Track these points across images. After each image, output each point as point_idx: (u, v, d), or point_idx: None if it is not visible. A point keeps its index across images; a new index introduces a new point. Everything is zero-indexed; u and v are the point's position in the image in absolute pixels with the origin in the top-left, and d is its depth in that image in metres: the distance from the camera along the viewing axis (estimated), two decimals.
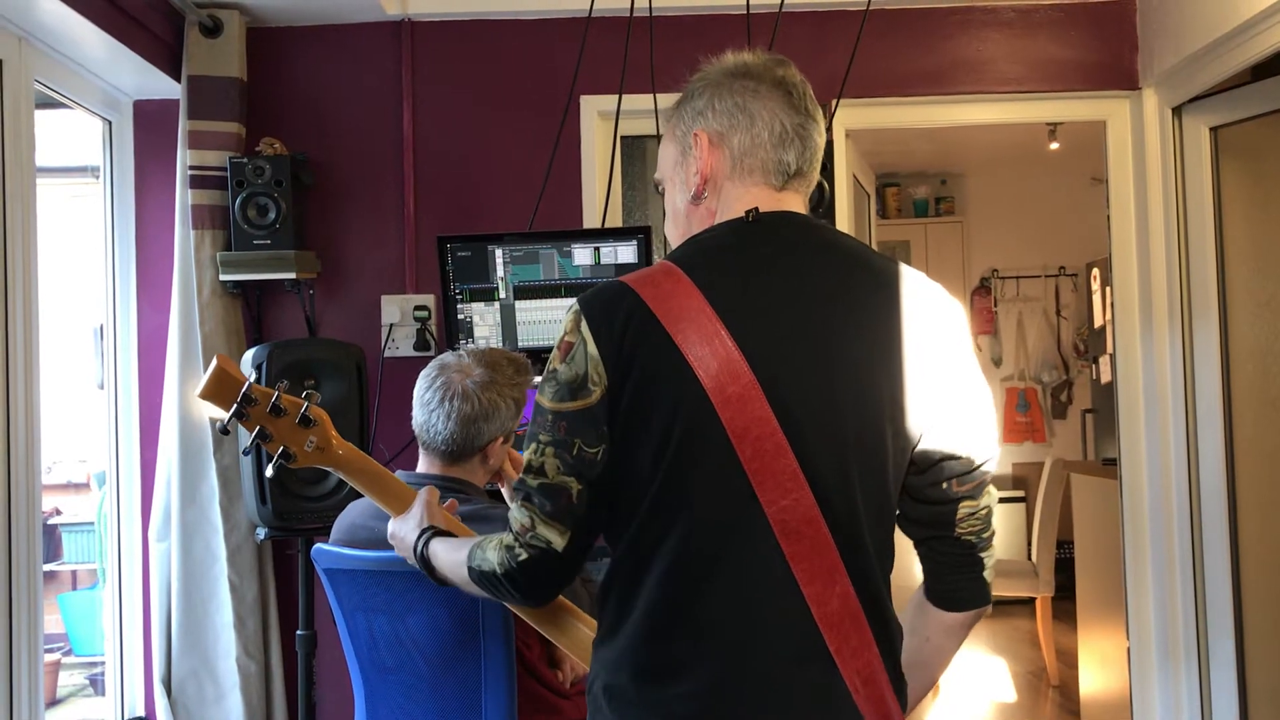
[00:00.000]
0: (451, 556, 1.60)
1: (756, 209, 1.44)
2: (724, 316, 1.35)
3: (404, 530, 1.76)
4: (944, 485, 1.47)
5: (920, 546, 1.53)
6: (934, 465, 1.46)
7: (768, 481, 1.33)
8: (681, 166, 1.52)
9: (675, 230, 1.55)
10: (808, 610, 1.34)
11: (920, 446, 1.45)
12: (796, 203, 1.49)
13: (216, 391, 1.67)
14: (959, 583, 1.51)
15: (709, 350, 1.33)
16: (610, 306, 1.38)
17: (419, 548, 1.69)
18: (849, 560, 1.36)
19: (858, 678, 1.36)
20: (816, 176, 1.52)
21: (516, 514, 1.42)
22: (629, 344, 1.35)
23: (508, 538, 1.44)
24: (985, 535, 1.51)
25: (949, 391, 1.45)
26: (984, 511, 1.50)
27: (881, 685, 1.38)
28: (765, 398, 1.33)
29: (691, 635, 1.36)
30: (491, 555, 1.46)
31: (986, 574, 1.52)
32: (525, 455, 1.41)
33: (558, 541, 1.39)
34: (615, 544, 1.43)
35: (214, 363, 1.67)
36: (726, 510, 1.35)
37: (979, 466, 1.47)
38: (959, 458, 1.46)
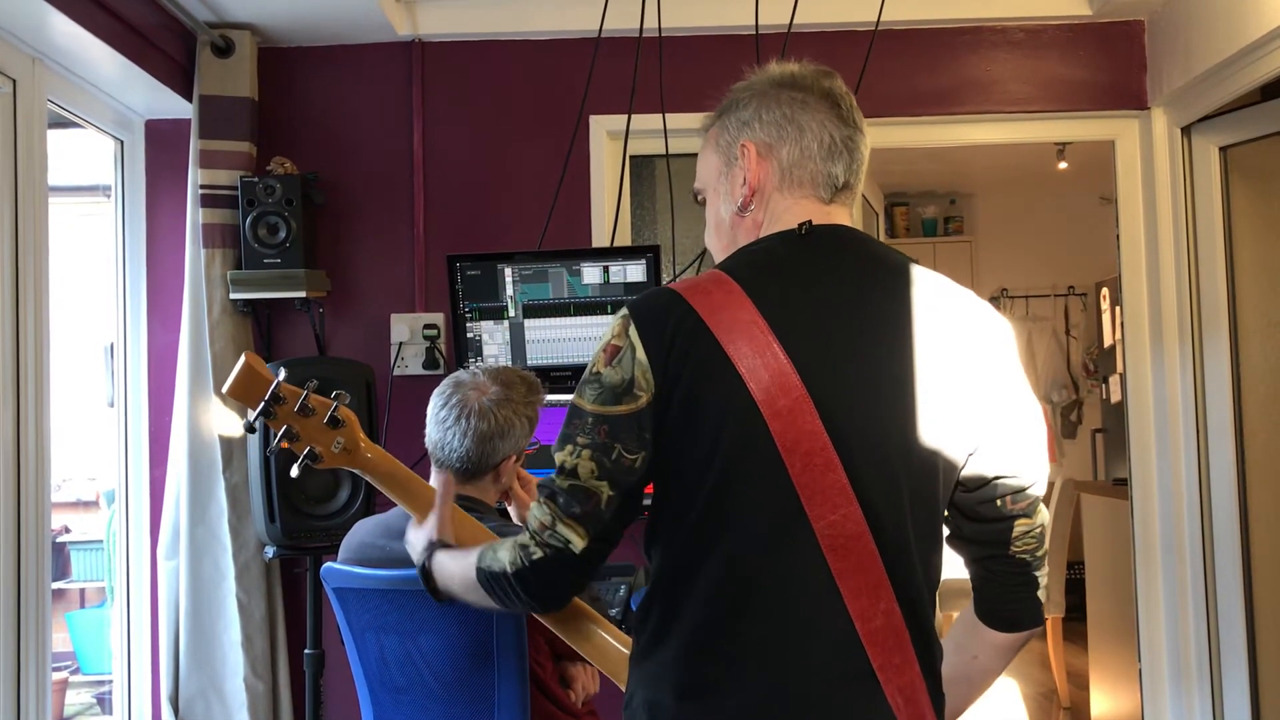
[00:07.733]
0: (458, 564, 1.57)
1: (810, 221, 1.43)
2: (775, 328, 1.33)
3: (416, 540, 1.74)
4: (998, 503, 1.45)
5: (974, 565, 1.51)
6: (987, 484, 1.44)
7: (816, 496, 1.31)
8: (726, 177, 1.50)
9: (719, 242, 1.52)
10: (852, 627, 1.33)
11: (972, 464, 1.43)
12: (844, 216, 1.48)
13: (244, 389, 1.63)
14: (1014, 603, 1.49)
15: (760, 362, 1.31)
16: (661, 313, 1.35)
17: (422, 559, 1.67)
18: (894, 577, 1.35)
19: (900, 695, 1.34)
20: (861, 189, 1.51)
21: (536, 512, 1.39)
22: (678, 352, 1.33)
23: (523, 536, 1.41)
24: (1039, 554, 1.48)
25: (1000, 409, 1.43)
26: (1038, 530, 1.47)
27: (923, 704, 1.36)
28: (816, 411, 1.31)
29: (735, 651, 1.34)
30: (504, 555, 1.43)
31: (1040, 593, 1.50)
32: (558, 457, 1.38)
33: (577, 543, 1.36)
34: (657, 557, 1.40)
35: (242, 359, 1.63)
36: (773, 524, 1.33)
37: (1032, 484, 1.46)
38: (1012, 475, 1.44)
